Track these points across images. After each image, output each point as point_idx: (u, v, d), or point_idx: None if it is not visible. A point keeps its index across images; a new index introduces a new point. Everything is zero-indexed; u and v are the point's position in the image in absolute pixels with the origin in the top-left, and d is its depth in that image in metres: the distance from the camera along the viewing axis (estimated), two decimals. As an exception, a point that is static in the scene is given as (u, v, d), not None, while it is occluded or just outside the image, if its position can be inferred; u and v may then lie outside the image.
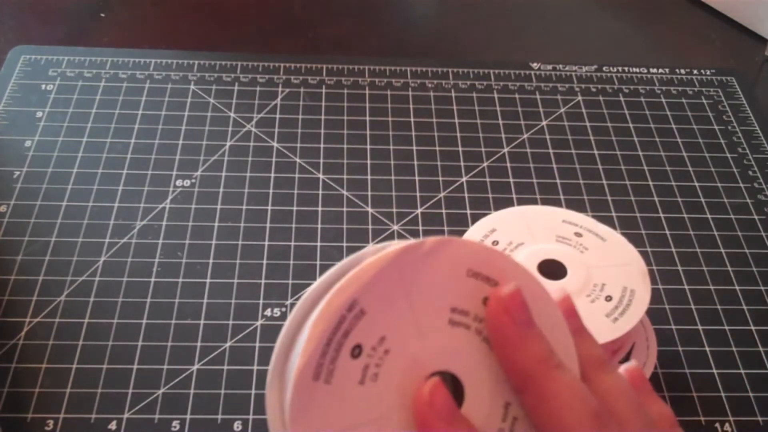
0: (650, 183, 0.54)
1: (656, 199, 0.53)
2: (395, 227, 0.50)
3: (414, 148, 0.56)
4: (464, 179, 0.54)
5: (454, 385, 0.24)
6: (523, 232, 0.41)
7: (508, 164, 0.55)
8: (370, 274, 0.22)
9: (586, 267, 0.40)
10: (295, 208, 0.51)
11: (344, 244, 0.49)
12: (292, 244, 0.49)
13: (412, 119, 0.58)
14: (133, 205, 0.51)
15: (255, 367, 0.43)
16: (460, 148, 0.56)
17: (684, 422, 0.42)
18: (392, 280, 0.23)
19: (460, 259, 0.23)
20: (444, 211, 0.51)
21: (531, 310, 0.24)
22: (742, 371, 0.44)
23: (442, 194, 0.53)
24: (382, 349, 0.23)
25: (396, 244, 0.23)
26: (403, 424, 0.23)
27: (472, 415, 0.23)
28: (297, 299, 0.46)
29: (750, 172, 0.55)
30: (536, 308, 0.24)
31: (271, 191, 0.52)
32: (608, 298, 0.38)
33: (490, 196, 0.53)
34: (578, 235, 0.41)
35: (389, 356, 0.22)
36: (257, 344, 0.44)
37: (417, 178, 0.54)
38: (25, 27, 0.64)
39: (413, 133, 0.57)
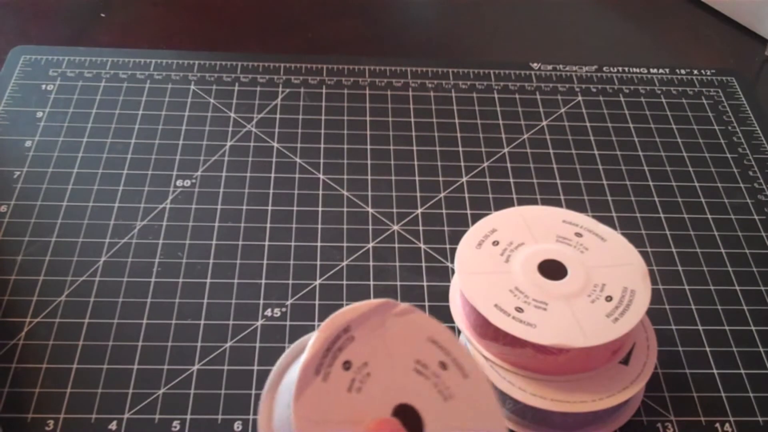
0: (650, 183, 0.54)
1: (656, 199, 0.53)
2: (395, 227, 0.50)
3: (414, 148, 0.56)
4: (464, 179, 0.54)
5: (416, 418, 0.29)
6: (523, 232, 0.41)
7: (508, 164, 0.55)
8: (363, 310, 0.29)
9: (586, 267, 0.40)
10: (295, 208, 0.51)
11: (344, 244, 0.49)
12: (292, 244, 0.49)
13: (412, 119, 0.58)
14: (133, 205, 0.51)
15: (255, 367, 0.43)
16: (460, 148, 0.56)
17: (684, 422, 0.42)
18: (376, 321, 0.29)
19: (422, 326, 0.30)
20: (444, 211, 0.51)
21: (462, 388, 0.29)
22: (742, 371, 0.44)
23: (442, 194, 0.53)
24: (366, 372, 0.28)
25: (373, 301, 0.29)
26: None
27: None
28: (297, 299, 0.46)
29: (750, 173, 0.55)
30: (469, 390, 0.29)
31: (271, 191, 0.52)
32: (608, 299, 0.38)
33: (490, 196, 0.53)
34: (578, 235, 0.41)
35: (370, 378, 0.28)
36: (257, 344, 0.44)
37: (417, 178, 0.54)
38: (25, 27, 0.64)
39: (413, 133, 0.57)
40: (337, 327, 0.28)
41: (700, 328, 0.46)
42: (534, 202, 0.52)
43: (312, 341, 0.28)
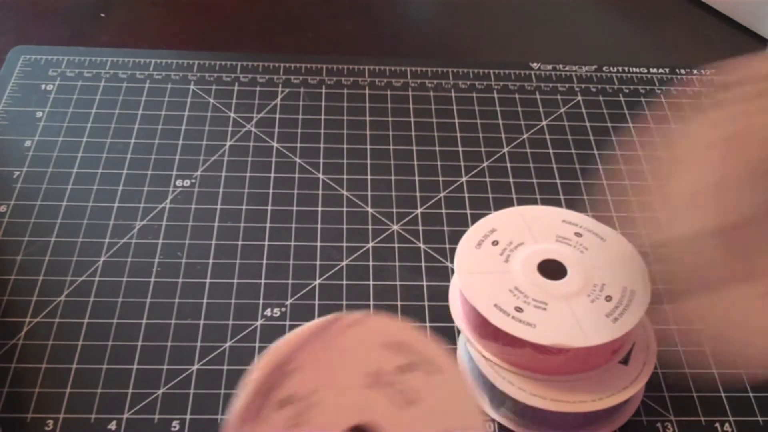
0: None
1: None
2: (395, 227, 0.50)
3: (414, 148, 0.56)
4: (464, 179, 0.54)
5: None
6: (523, 232, 0.41)
7: (508, 164, 0.55)
8: (299, 339, 0.27)
9: (586, 267, 0.40)
10: (295, 208, 0.51)
11: (344, 244, 0.49)
12: (292, 244, 0.49)
13: (412, 119, 0.58)
14: (133, 205, 0.51)
15: (255, 367, 0.43)
16: (460, 148, 0.56)
17: (684, 422, 0.42)
18: (317, 345, 0.28)
19: (375, 333, 0.28)
20: (444, 211, 0.51)
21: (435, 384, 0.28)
22: (742, 371, 0.44)
23: (442, 194, 0.53)
24: (311, 401, 0.27)
25: (318, 320, 0.28)
26: None
27: None
28: (297, 299, 0.46)
29: (750, 172, 0.55)
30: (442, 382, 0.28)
31: (271, 191, 0.52)
32: (608, 298, 0.38)
33: (490, 196, 0.53)
34: (578, 235, 0.41)
35: (316, 408, 0.27)
36: (257, 344, 0.44)
37: (417, 178, 0.54)
38: (25, 27, 0.64)
39: (413, 133, 0.57)
40: (270, 366, 0.27)
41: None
42: (534, 202, 0.52)
43: (241, 393, 0.26)
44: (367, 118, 0.57)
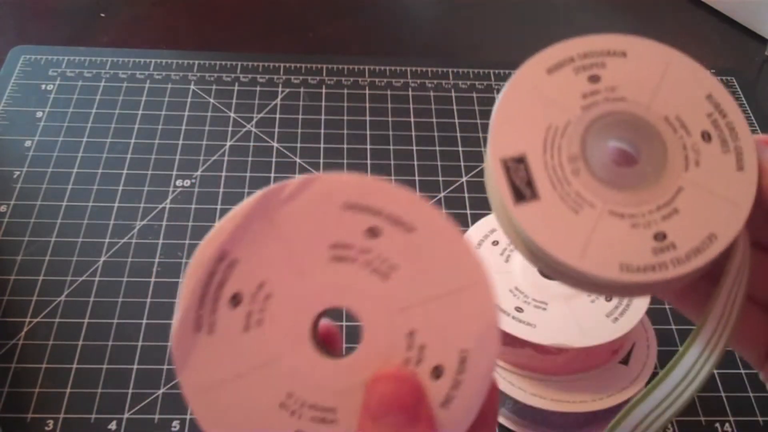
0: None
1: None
2: (395, 227, 0.50)
3: (414, 148, 0.56)
4: (464, 179, 0.54)
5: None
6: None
7: (508, 164, 0.55)
8: (235, 223, 0.22)
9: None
10: (295, 208, 0.51)
11: (344, 244, 0.49)
12: (292, 244, 0.49)
13: (412, 119, 0.58)
14: (133, 205, 0.51)
15: (255, 367, 0.43)
16: (460, 148, 0.56)
17: (684, 422, 0.42)
18: (260, 224, 0.22)
19: (331, 195, 0.23)
20: (444, 210, 0.51)
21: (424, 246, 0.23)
22: (742, 371, 0.44)
23: (442, 194, 0.53)
24: (263, 295, 0.22)
25: (253, 196, 0.23)
26: (294, 366, 0.22)
27: (373, 349, 0.22)
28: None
29: (750, 172, 0.55)
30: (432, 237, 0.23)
31: (271, 191, 0.52)
32: (608, 298, 0.38)
33: (490, 196, 0.53)
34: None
35: (271, 300, 0.22)
36: (257, 344, 0.44)
37: (417, 178, 0.54)
38: (25, 27, 0.64)
39: (413, 133, 0.57)
40: (207, 263, 0.22)
41: (700, 328, 0.46)
42: (534, 202, 0.52)
43: (178, 300, 0.22)
44: (367, 118, 0.57)
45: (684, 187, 0.24)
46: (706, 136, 0.25)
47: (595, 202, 0.24)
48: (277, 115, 0.57)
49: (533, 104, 0.27)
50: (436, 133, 0.57)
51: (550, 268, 0.24)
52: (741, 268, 0.25)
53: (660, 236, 0.24)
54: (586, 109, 0.26)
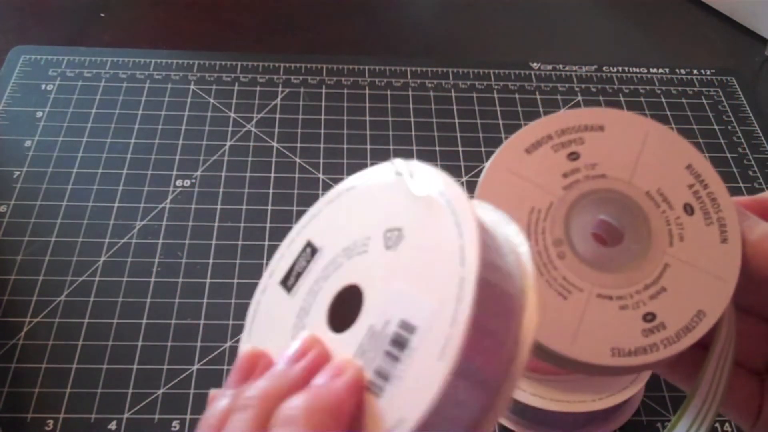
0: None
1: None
2: (395, 227, 0.50)
3: (414, 148, 0.56)
4: (464, 179, 0.54)
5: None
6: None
7: (508, 164, 0.55)
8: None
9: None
10: (294, 208, 0.51)
11: (344, 244, 0.49)
12: (292, 244, 0.49)
13: (412, 119, 0.58)
14: (133, 205, 0.51)
15: (255, 367, 0.43)
16: (460, 148, 0.56)
17: None
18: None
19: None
20: (444, 211, 0.51)
21: None
22: (742, 371, 0.44)
23: (442, 194, 0.52)
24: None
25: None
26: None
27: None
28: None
29: (750, 172, 0.55)
30: None
31: (271, 191, 0.52)
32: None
33: (490, 196, 0.52)
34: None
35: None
36: (257, 344, 0.44)
37: (417, 178, 0.53)
38: (25, 27, 0.64)
39: (413, 133, 0.57)
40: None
41: (700, 328, 0.46)
42: (534, 202, 0.52)
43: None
44: (367, 118, 0.57)
45: (670, 264, 0.24)
46: (688, 209, 0.25)
47: (583, 286, 0.24)
48: (277, 115, 0.57)
49: (514, 187, 0.27)
50: (436, 133, 0.57)
51: (543, 355, 0.24)
52: (728, 337, 0.25)
53: (649, 317, 0.24)
54: (568, 189, 0.26)
